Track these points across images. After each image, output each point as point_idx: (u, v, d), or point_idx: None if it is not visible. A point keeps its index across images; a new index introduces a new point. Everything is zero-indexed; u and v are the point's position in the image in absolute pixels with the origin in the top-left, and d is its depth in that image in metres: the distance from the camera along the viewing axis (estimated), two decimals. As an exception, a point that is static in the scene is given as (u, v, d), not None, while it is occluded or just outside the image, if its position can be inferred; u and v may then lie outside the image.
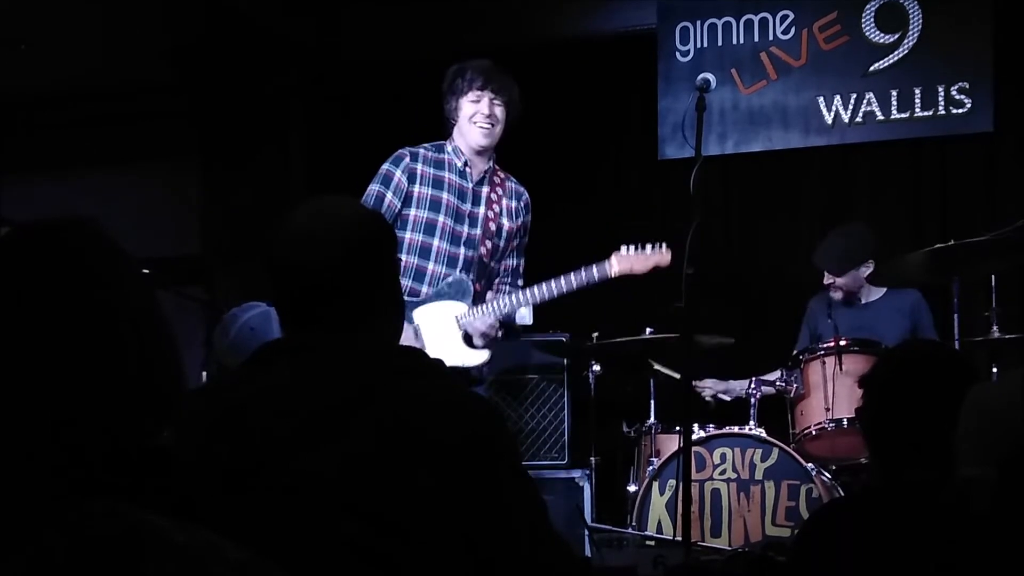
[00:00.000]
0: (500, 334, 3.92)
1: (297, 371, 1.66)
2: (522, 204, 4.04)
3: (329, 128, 6.33)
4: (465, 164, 3.93)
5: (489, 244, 3.92)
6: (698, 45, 5.79)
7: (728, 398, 4.86)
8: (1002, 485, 1.63)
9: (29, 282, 1.04)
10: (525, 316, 5.29)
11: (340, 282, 1.72)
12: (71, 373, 1.02)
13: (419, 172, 3.89)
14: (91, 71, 6.39)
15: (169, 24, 5.92)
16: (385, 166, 3.92)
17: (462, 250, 3.88)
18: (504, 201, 3.97)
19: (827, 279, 4.89)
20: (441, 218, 3.87)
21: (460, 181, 3.93)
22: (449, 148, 3.96)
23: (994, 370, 4.16)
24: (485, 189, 3.95)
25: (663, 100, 5.82)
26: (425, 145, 3.97)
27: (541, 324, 5.24)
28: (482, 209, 3.93)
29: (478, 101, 3.88)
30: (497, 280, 4.02)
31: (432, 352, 3.78)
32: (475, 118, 3.88)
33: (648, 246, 3.97)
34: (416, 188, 3.87)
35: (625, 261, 3.94)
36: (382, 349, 1.76)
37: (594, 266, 3.92)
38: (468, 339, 3.87)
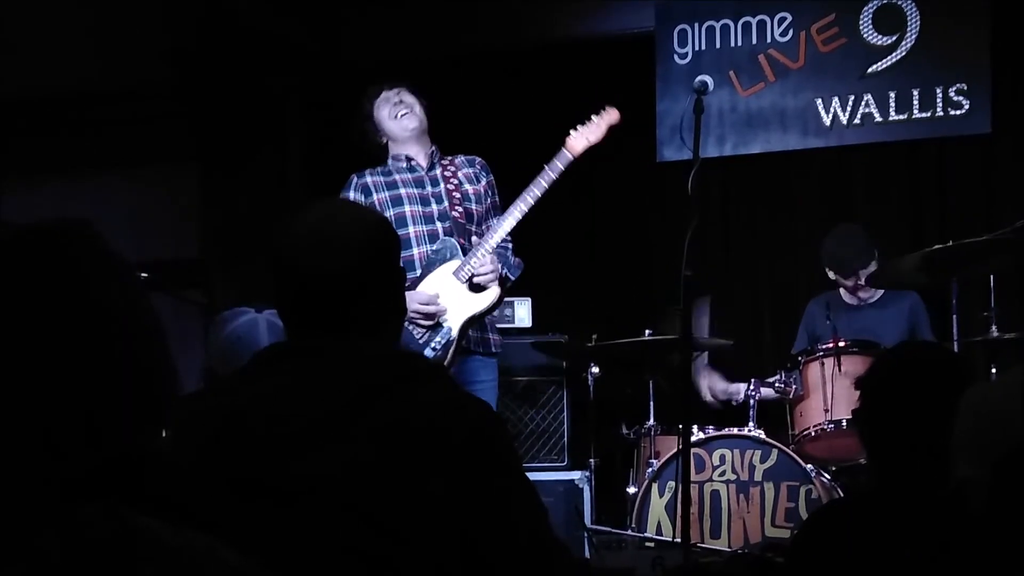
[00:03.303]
0: (502, 269, 3.93)
1: (300, 374, 1.66)
2: (478, 167, 4.13)
3: (328, 130, 6.33)
4: (408, 159, 4.06)
5: (460, 208, 3.99)
6: (696, 47, 5.79)
7: (724, 399, 4.85)
8: (998, 486, 1.64)
9: (19, 285, 1.04)
10: (524, 318, 5.31)
11: (356, 286, 1.73)
12: (63, 376, 1.02)
13: (371, 183, 4.04)
14: (89, 74, 6.38)
15: (167, 27, 5.92)
16: (341, 194, 4.03)
17: (437, 225, 3.97)
18: (460, 172, 4.08)
19: (851, 281, 4.86)
20: (407, 208, 3.98)
21: (411, 175, 4.06)
22: (389, 162, 4.11)
23: (993, 370, 4.16)
24: (437, 170, 4.07)
25: (661, 102, 5.83)
26: (368, 168, 4.12)
27: (540, 326, 5.25)
28: (441, 185, 4.03)
29: (387, 101, 4.08)
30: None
31: (447, 315, 3.82)
32: (391, 112, 4.06)
33: (593, 116, 4.04)
34: (374, 197, 4.01)
35: (579, 139, 4.00)
36: (384, 353, 1.76)
37: (554, 159, 3.95)
38: (472, 287, 3.90)
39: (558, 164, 3.94)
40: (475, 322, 3.90)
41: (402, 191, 4.01)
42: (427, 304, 3.81)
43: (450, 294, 3.87)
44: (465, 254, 3.90)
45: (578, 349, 4.94)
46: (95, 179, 6.73)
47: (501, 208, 4.06)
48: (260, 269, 1.80)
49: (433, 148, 4.10)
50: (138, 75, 6.28)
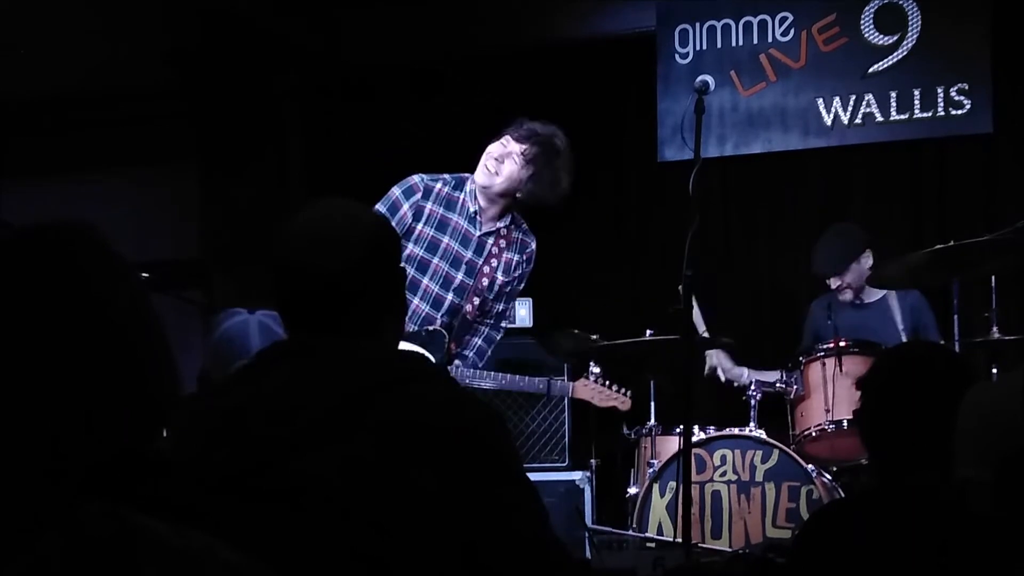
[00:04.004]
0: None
1: (300, 374, 1.66)
2: (524, 257, 3.91)
3: (328, 131, 6.34)
4: (477, 212, 3.81)
5: (477, 301, 3.83)
6: (697, 47, 5.79)
7: (724, 377, 4.85)
8: (1000, 486, 1.63)
9: (22, 285, 1.04)
10: (525, 318, 5.31)
11: (354, 286, 1.72)
12: (64, 376, 1.02)
13: (427, 211, 3.78)
14: (90, 75, 6.39)
15: (167, 27, 5.92)
16: (396, 192, 3.79)
17: (450, 295, 3.79)
18: (505, 255, 3.86)
19: (833, 283, 4.87)
20: (436, 260, 3.77)
21: (467, 227, 3.81)
22: (468, 188, 3.83)
23: (994, 371, 4.16)
24: (490, 240, 3.83)
25: (662, 102, 5.82)
26: (445, 177, 3.83)
27: (541, 326, 5.25)
28: (481, 260, 3.82)
29: (505, 145, 3.77)
30: (471, 329, 3.93)
31: None
32: (486, 156, 3.78)
33: (614, 387, 4.17)
34: (420, 226, 3.76)
35: (586, 391, 4.16)
36: (384, 353, 1.76)
37: (558, 382, 4.16)
38: None
39: (555, 388, 4.10)
40: None
41: (444, 240, 3.78)
42: None
43: None
44: (447, 358, 3.78)
45: (579, 349, 4.94)
46: (95, 179, 6.74)
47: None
48: (260, 269, 1.80)
49: (504, 223, 3.84)
50: (138, 75, 6.29)
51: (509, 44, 6.11)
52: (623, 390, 4.18)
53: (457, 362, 3.86)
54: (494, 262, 3.84)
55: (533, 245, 3.94)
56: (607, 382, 4.16)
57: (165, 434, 1.37)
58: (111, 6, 5.69)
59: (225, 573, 0.99)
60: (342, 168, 6.04)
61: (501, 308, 3.96)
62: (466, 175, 3.85)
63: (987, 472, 1.68)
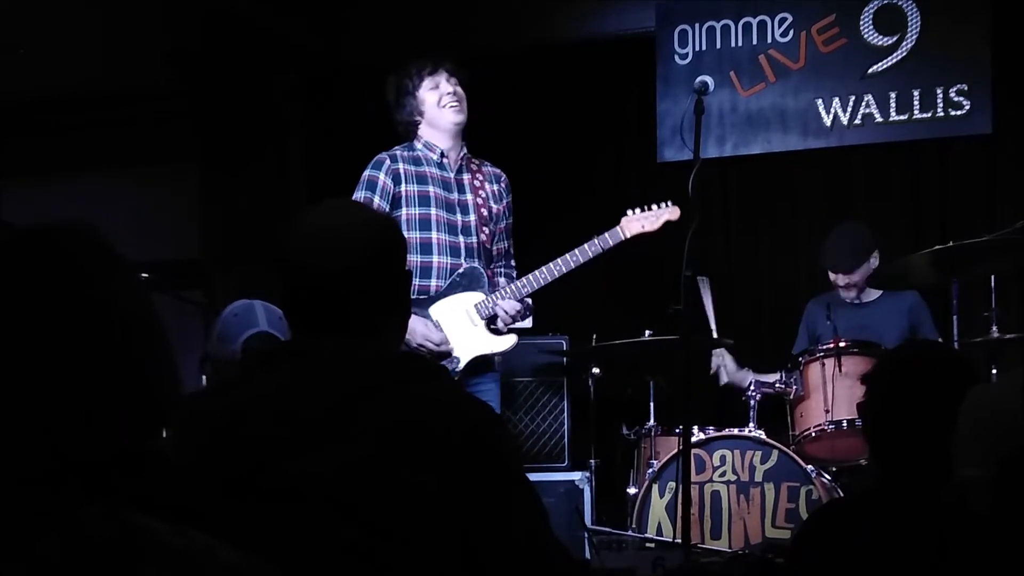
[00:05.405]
0: (528, 315, 4.01)
1: (300, 374, 1.66)
2: (503, 186, 4.09)
3: (328, 131, 6.34)
4: (441, 155, 3.97)
5: (487, 230, 3.97)
6: (697, 48, 5.79)
7: (724, 380, 4.85)
8: (1000, 486, 1.64)
9: (22, 285, 1.04)
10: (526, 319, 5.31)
11: (358, 286, 1.73)
12: (64, 376, 1.02)
13: (402, 171, 3.93)
14: (90, 75, 6.39)
15: (168, 27, 5.93)
16: (367, 172, 3.95)
17: (461, 239, 3.92)
18: (487, 186, 4.03)
19: (840, 280, 4.86)
20: (433, 211, 3.91)
21: (441, 172, 3.97)
22: (419, 145, 4.00)
23: (993, 371, 4.16)
24: (466, 176, 4.00)
25: (662, 103, 5.83)
26: (396, 148, 4.01)
27: (540, 327, 5.25)
28: (469, 196, 3.98)
29: (436, 87, 3.96)
30: (492, 265, 4.05)
31: (457, 344, 3.87)
32: (442, 101, 3.95)
33: (655, 205, 4.09)
34: (403, 188, 3.92)
35: (635, 223, 4.06)
36: (385, 353, 1.76)
37: (606, 233, 4.03)
38: (491, 326, 3.93)
39: (608, 240, 4.01)
40: (483, 358, 3.93)
41: (430, 190, 3.93)
42: (438, 345, 3.80)
43: (464, 326, 3.88)
44: (492, 286, 3.93)
45: (578, 349, 4.94)
46: (97, 179, 6.74)
47: (528, 252, 4.08)
48: (260, 269, 1.81)
49: (464, 150, 4.03)
50: (139, 75, 6.29)
51: (510, 44, 6.10)
52: (662, 203, 4.10)
53: (503, 280, 4.00)
54: (481, 193, 4.00)
55: (504, 175, 4.12)
56: (646, 206, 4.09)
57: (165, 434, 1.37)
58: (111, 6, 5.69)
59: (225, 573, 0.99)
60: (342, 168, 6.01)
61: (505, 246, 4.10)
62: (407, 143, 4.02)
63: (987, 472, 1.68)
